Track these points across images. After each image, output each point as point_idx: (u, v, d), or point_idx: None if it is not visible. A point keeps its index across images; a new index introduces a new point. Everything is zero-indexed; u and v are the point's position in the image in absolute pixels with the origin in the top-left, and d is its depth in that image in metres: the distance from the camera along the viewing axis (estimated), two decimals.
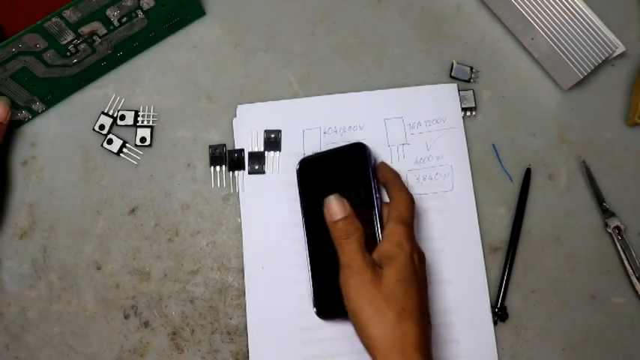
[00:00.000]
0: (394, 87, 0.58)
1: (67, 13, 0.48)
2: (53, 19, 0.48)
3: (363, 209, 0.50)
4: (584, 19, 0.54)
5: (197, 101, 0.58)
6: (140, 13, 0.53)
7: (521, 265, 0.55)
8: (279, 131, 0.57)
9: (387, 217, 0.50)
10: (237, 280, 0.55)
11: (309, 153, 0.56)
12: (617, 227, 0.55)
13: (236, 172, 0.56)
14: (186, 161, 0.57)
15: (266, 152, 0.57)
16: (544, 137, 0.58)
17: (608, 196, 0.56)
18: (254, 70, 0.59)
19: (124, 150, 0.57)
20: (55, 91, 0.56)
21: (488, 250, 0.55)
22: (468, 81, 0.58)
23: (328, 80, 0.58)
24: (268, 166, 0.56)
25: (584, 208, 0.56)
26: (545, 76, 0.59)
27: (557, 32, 0.54)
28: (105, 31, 0.52)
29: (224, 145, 0.57)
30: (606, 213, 0.56)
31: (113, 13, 0.51)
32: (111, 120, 0.57)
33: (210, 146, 0.57)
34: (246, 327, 0.54)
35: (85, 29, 0.51)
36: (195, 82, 0.58)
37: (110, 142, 0.57)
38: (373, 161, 0.52)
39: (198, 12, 0.58)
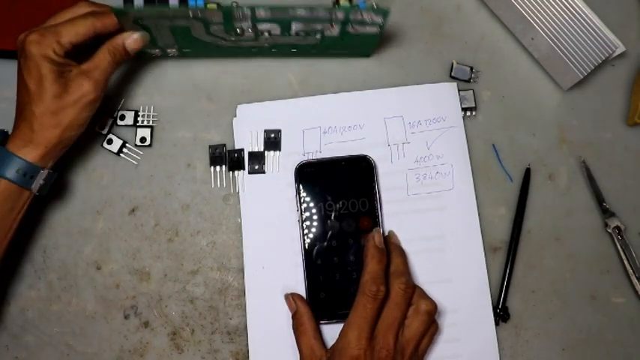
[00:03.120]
0: (394, 87, 0.58)
1: (259, 12, 0.49)
2: (244, 9, 0.49)
3: (366, 219, 0.53)
4: (584, 19, 0.54)
5: (197, 101, 0.58)
6: (319, 35, 0.53)
7: (521, 265, 0.55)
8: (279, 131, 0.57)
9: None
10: (237, 280, 0.55)
11: (309, 152, 0.56)
12: (617, 227, 0.55)
13: (236, 172, 0.56)
14: (186, 161, 0.57)
15: (266, 152, 0.57)
16: (544, 137, 0.58)
17: (608, 196, 0.56)
18: (254, 70, 0.59)
19: (124, 150, 0.57)
20: (196, 48, 0.55)
21: (488, 250, 0.55)
22: (468, 81, 0.58)
23: (328, 80, 0.58)
24: (268, 165, 0.56)
25: (584, 208, 0.57)
26: (545, 76, 0.59)
27: (557, 32, 0.54)
28: (278, 34, 0.52)
29: (224, 145, 0.57)
30: (606, 213, 0.56)
31: (296, 26, 0.51)
32: (111, 120, 0.57)
33: (210, 146, 0.57)
34: (246, 327, 0.54)
35: (264, 27, 0.51)
36: (195, 82, 0.58)
37: (110, 142, 0.57)
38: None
39: (367, 53, 0.58)
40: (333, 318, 0.52)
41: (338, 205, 0.54)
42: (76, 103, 0.49)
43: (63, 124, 0.49)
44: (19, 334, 0.54)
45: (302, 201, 0.54)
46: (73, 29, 0.49)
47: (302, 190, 0.54)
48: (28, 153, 0.48)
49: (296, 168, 0.54)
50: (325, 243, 0.53)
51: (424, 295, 0.50)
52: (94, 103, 0.50)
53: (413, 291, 0.50)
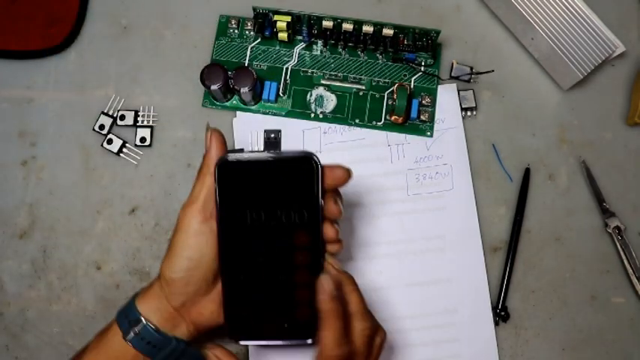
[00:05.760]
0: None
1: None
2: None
3: (303, 234, 0.43)
4: (584, 19, 0.54)
5: (197, 101, 0.58)
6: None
7: (521, 265, 0.55)
8: (279, 131, 0.56)
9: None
10: None
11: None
12: (617, 227, 0.55)
13: None
14: (186, 161, 0.57)
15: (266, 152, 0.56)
16: (544, 137, 0.58)
17: (608, 196, 0.56)
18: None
19: (124, 150, 0.57)
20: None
21: (488, 250, 0.55)
22: (468, 81, 0.58)
23: None
24: None
25: (584, 208, 0.56)
26: (545, 76, 0.59)
27: (557, 32, 0.54)
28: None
29: None
30: (606, 213, 0.56)
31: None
32: (111, 120, 0.57)
33: None
34: None
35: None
36: (196, 82, 0.58)
37: (110, 142, 0.57)
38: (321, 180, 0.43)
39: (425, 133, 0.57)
40: (255, 338, 0.45)
41: (268, 215, 0.42)
42: None
43: None
44: (19, 334, 0.54)
45: (222, 207, 0.42)
46: None
47: (223, 194, 0.42)
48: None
49: (216, 165, 0.42)
50: (250, 258, 0.43)
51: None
52: None
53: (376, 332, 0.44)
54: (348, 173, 0.43)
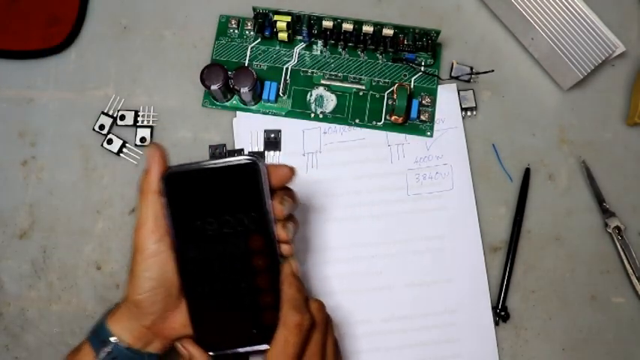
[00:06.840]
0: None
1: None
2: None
3: (257, 237, 0.42)
4: (584, 19, 0.54)
5: (197, 101, 0.58)
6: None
7: (521, 265, 0.55)
8: (279, 131, 0.57)
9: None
10: None
11: (309, 152, 0.56)
12: (617, 227, 0.55)
13: None
14: (186, 161, 0.57)
15: (266, 152, 0.57)
16: (544, 137, 0.58)
17: (608, 196, 0.56)
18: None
19: (124, 150, 0.57)
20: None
21: (488, 250, 0.55)
22: (468, 81, 0.58)
23: None
24: None
25: (584, 208, 0.56)
26: (545, 76, 0.59)
27: (557, 32, 0.54)
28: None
29: (224, 145, 0.57)
30: (606, 213, 0.56)
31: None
32: (111, 120, 0.57)
33: (210, 146, 0.57)
34: None
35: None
36: (196, 82, 0.58)
37: (110, 142, 0.57)
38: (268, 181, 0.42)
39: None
40: (225, 348, 0.44)
41: (220, 223, 0.42)
42: None
43: None
44: (19, 334, 0.54)
45: (174, 220, 0.42)
46: None
47: (172, 208, 0.42)
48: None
49: (163, 178, 0.41)
50: (209, 268, 0.43)
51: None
52: None
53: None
54: (291, 171, 0.43)
